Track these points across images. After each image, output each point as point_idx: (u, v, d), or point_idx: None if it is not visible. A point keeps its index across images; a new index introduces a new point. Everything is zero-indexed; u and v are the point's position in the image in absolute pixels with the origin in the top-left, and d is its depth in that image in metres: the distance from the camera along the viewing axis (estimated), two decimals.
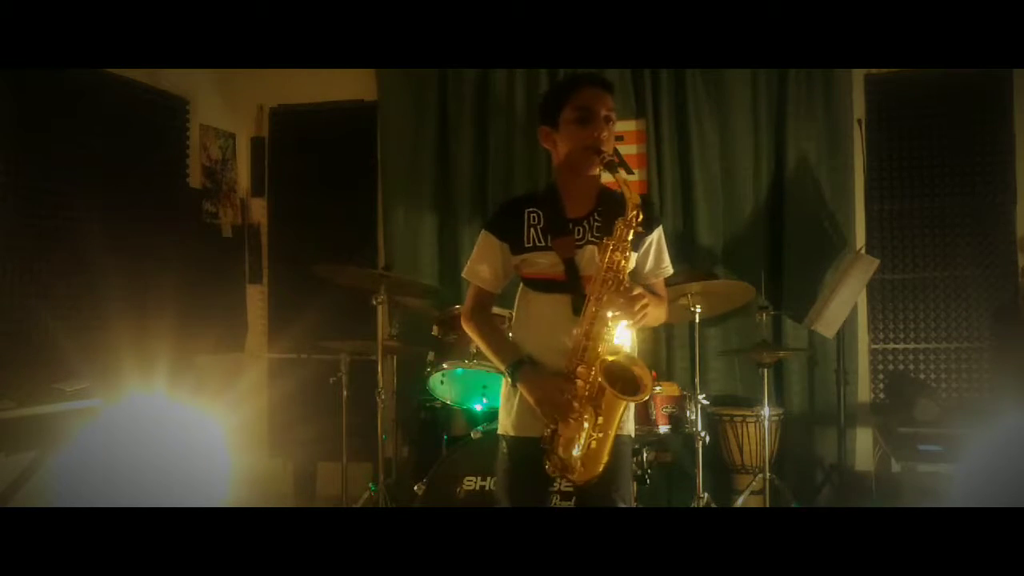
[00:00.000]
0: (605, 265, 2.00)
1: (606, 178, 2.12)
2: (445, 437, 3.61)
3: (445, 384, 3.51)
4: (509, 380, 2.13)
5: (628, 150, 4.37)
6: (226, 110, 4.78)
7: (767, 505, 3.69)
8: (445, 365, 3.42)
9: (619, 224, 2.00)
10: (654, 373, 3.72)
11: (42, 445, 3.05)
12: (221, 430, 3.68)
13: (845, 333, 3.93)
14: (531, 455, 2.06)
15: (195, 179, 4.55)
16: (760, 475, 3.71)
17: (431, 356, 3.57)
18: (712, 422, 3.89)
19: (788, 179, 4.14)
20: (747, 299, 3.72)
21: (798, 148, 4.13)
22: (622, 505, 2.10)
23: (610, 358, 1.98)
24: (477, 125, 4.48)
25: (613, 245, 2.00)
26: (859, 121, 4.05)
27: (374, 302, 3.63)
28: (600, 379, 1.96)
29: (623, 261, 2.00)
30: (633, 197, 1.98)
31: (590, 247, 2.08)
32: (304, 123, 4.86)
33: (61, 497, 3.00)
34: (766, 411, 3.68)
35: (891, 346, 4.19)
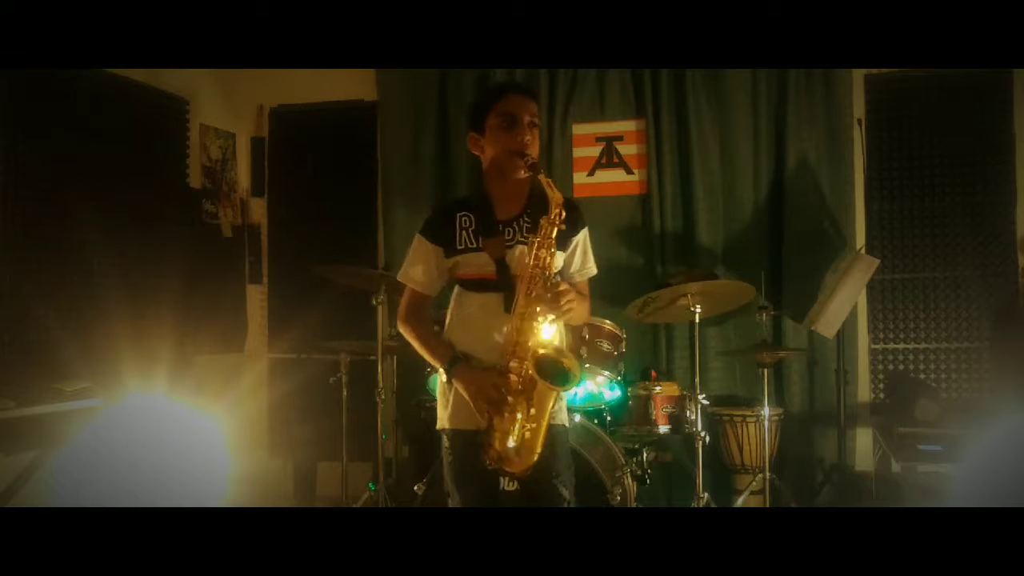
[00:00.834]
0: (532, 262, 2.08)
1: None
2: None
3: None
4: (444, 377, 2.23)
5: (628, 150, 4.38)
6: (226, 110, 4.77)
7: (767, 505, 3.69)
8: None
9: (543, 222, 2.08)
10: (654, 373, 3.73)
11: (42, 445, 3.05)
12: (221, 430, 3.68)
13: (845, 333, 3.93)
14: (471, 445, 2.14)
15: (195, 179, 4.55)
16: (760, 475, 3.71)
17: None
18: (712, 422, 3.89)
19: (788, 179, 4.14)
20: (747, 299, 3.72)
21: (798, 148, 4.13)
22: (565, 492, 2.18)
23: (541, 351, 2.05)
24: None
25: (539, 243, 2.08)
26: (859, 121, 4.04)
27: (374, 302, 3.63)
28: (532, 372, 2.03)
29: (549, 258, 2.08)
30: (556, 196, 2.06)
31: (520, 247, 2.16)
32: (304, 123, 4.86)
33: (61, 497, 3.01)
34: (766, 411, 3.67)
35: (891, 346, 4.18)
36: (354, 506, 3.77)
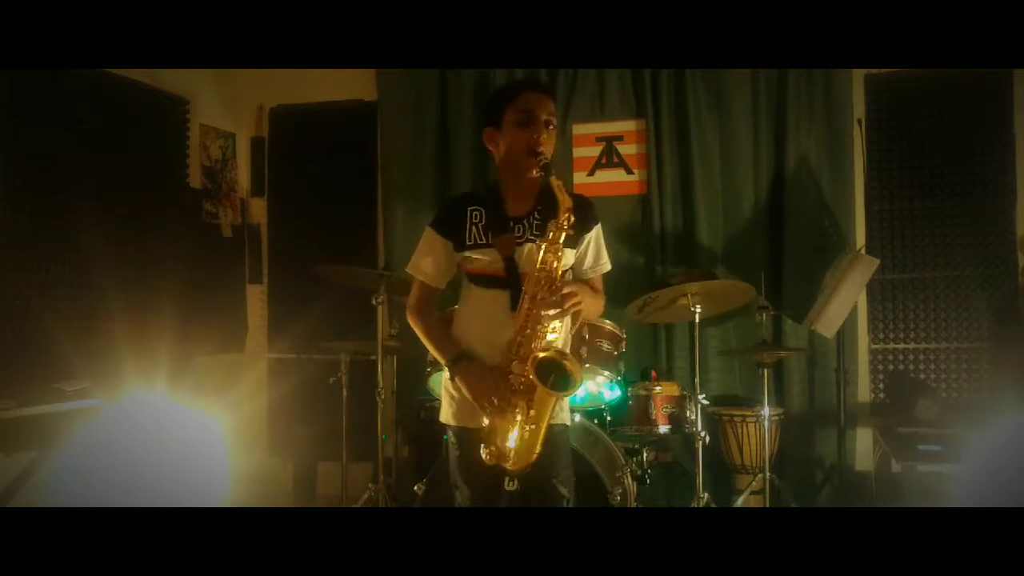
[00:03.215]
0: (538, 265, 2.08)
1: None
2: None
3: None
4: (448, 374, 2.23)
5: (628, 150, 4.38)
6: (226, 110, 4.77)
7: (767, 505, 3.69)
8: None
9: (551, 226, 2.09)
10: (654, 373, 3.73)
11: (42, 445, 3.05)
12: (221, 430, 3.68)
13: (845, 333, 3.92)
14: (474, 442, 2.15)
15: (195, 179, 4.55)
16: (760, 475, 3.71)
17: (431, 356, 3.57)
18: (712, 422, 3.89)
19: (788, 179, 4.14)
20: (747, 299, 3.72)
21: (798, 148, 4.13)
22: (564, 491, 2.20)
23: (542, 354, 2.06)
24: (477, 125, 4.47)
25: (545, 247, 2.08)
26: (859, 121, 4.04)
27: (374, 302, 3.64)
28: (531, 375, 2.03)
29: (555, 262, 2.08)
30: (565, 200, 2.07)
31: (529, 245, 2.17)
32: (304, 123, 4.86)
33: (61, 497, 3.00)
34: (766, 411, 3.67)
35: (891, 346, 4.18)
36: (354, 506, 3.77)
